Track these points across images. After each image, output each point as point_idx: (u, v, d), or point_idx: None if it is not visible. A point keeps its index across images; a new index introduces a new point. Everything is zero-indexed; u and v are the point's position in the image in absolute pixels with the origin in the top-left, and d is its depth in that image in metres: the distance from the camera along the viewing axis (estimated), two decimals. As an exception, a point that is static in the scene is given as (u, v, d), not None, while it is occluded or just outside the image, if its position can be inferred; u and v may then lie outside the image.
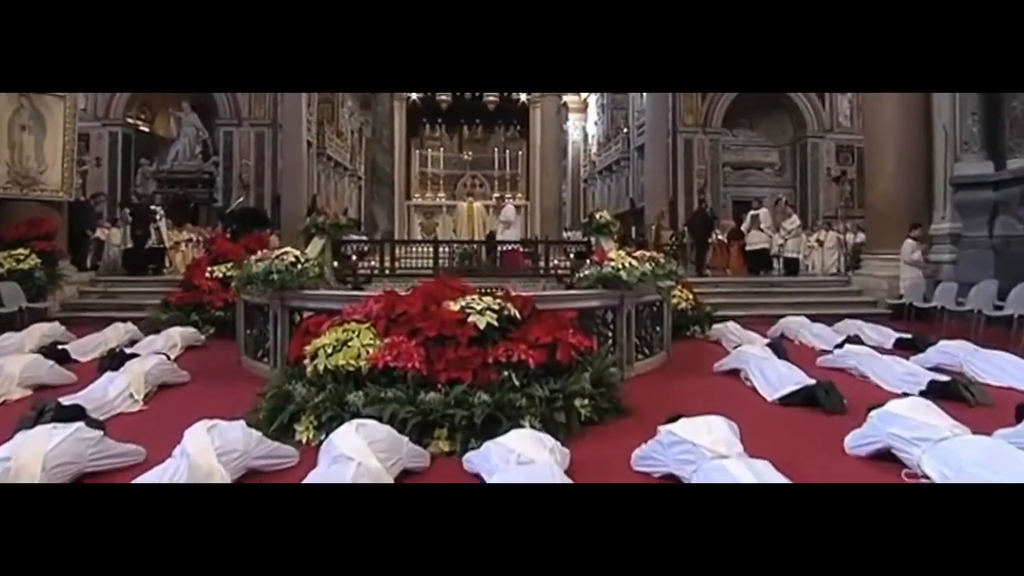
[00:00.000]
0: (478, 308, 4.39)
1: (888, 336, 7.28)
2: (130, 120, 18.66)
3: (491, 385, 4.00)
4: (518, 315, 4.59)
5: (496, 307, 4.46)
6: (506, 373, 4.10)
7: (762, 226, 11.97)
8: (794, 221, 12.18)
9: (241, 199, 16.87)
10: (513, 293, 5.03)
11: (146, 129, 19.46)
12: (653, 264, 7.52)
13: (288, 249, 5.80)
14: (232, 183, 18.48)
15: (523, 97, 12.10)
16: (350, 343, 4.21)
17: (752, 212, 12.19)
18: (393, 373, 4.06)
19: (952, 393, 4.71)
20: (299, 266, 5.61)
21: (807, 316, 8.75)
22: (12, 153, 8.96)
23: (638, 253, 7.88)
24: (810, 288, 10.63)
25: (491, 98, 11.74)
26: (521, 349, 4.23)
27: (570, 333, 4.69)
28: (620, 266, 5.71)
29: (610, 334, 5.82)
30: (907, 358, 5.89)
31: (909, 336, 7.08)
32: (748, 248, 12.09)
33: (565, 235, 18.57)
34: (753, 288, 10.47)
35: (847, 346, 6.18)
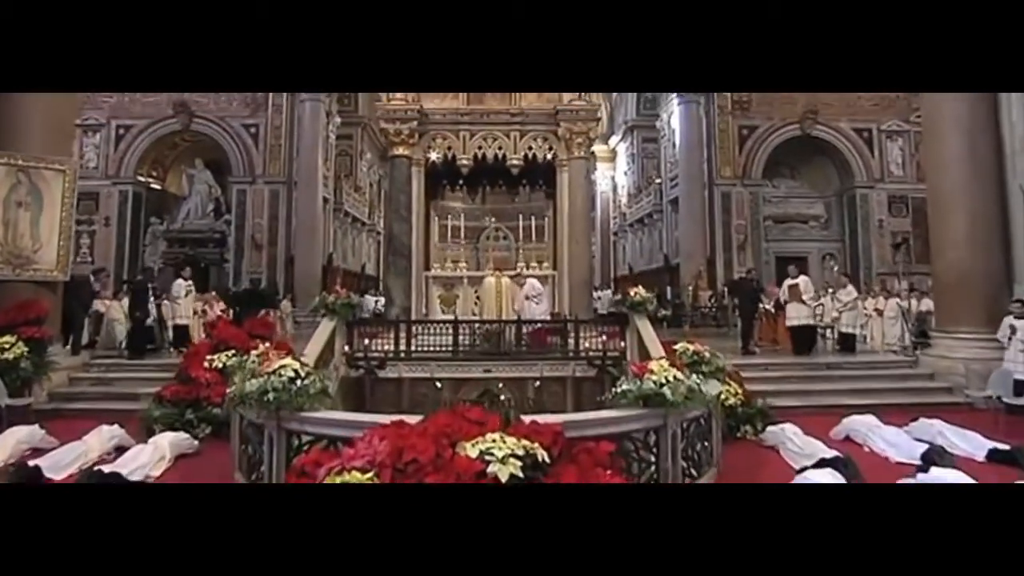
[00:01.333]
0: (500, 455, 3.85)
1: (978, 445, 6.53)
2: (141, 178, 18.89)
3: (515, 561, 3.43)
4: (546, 457, 4.05)
5: (521, 452, 3.92)
6: (533, 541, 3.53)
7: (804, 297, 10.98)
8: (850, 292, 11.41)
9: (247, 286, 16.69)
10: (541, 422, 4.51)
11: (157, 187, 19.67)
12: (697, 359, 7.03)
13: (287, 362, 5.35)
14: (244, 242, 18.46)
15: (548, 156, 11.74)
16: (348, 501, 3.69)
17: (790, 281, 11.26)
18: (398, 542, 3.52)
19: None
20: (298, 383, 5.16)
21: (870, 405, 8.16)
22: (6, 231, 8.82)
23: (679, 346, 7.38)
24: (872, 371, 9.87)
25: (515, 161, 11.39)
26: (551, 509, 3.67)
27: (608, 475, 4.13)
28: (662, 381, 5.15)
29: (652, 459, 5.22)
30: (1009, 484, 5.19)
31: (1007, 448, 6.32)
32: (789, 324, 11.15)
33: (595, 295, 18.11)
34: (806, 372, 9.75)
35: (935, 471, 5.47)
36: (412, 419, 4.76)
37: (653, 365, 5.45)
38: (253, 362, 6.82)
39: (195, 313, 12.10)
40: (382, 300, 15.94)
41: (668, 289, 19.61)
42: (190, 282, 11.93)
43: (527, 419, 4.79)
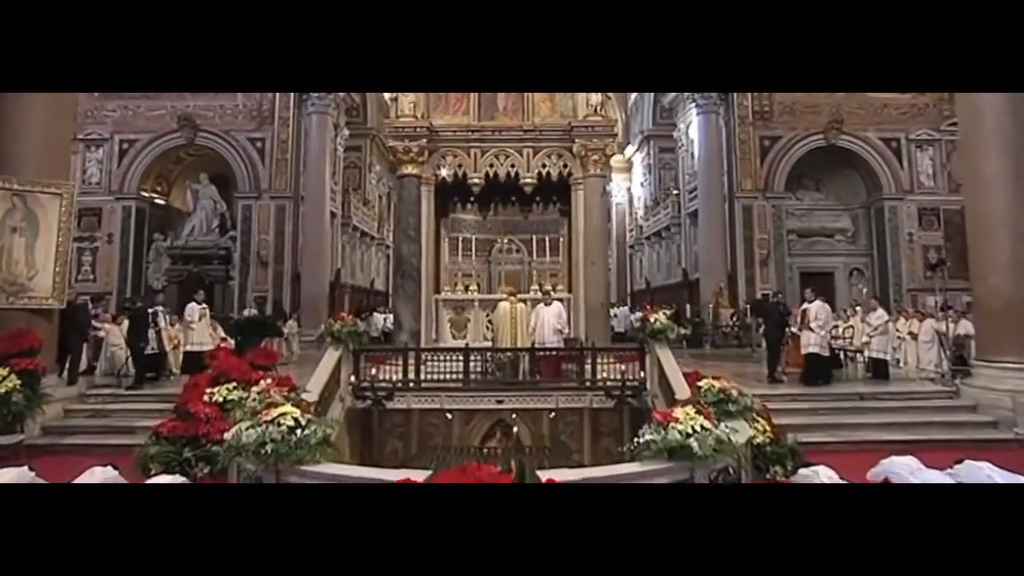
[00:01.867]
0: (513, 526, 3.59)
1: (1030, 493, 6.17)
2: (144, 193, 18.85)
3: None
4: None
5: (536, 521, 3.66)
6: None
7: (813, 325, 10.39)
8: (881, 316, 11.01)
9: (250, 310, 16.57)
10: (557, 478, 4.26)
11: (161, 202, 19.64)
12: (723, 397, 6.74)
13: (287, 409, 5.12)
14: (250, 259, 18.36)
15: (563, 172, 11.48)
16: None
17: (804, 306, 10.84)
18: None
19: None
20: (298, 432, 4.93)
21: (908, 441, 7.83)
22: (0, 258, 8.69)
23: (703, 383, 7.09)
24: (908, 402, 9.47)
25: (528, 179, 11.16)
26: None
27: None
28: (688, 431, 4.88)
29: (680, 516, 4.93)
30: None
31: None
32: (803, 352, 10.56)
33: (611, 311, 17.80)
34: (837, 403, 9.38)
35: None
36: (419, 475, 4.53)
37: (678, 412, 5.17)
38: (254, 400, 6.64)
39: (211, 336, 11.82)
40: (391, 317, 15.75)
41: (687, 306, 19.27)
42: (204, 305, 11.64)
43: (543, 475, 4.56)
